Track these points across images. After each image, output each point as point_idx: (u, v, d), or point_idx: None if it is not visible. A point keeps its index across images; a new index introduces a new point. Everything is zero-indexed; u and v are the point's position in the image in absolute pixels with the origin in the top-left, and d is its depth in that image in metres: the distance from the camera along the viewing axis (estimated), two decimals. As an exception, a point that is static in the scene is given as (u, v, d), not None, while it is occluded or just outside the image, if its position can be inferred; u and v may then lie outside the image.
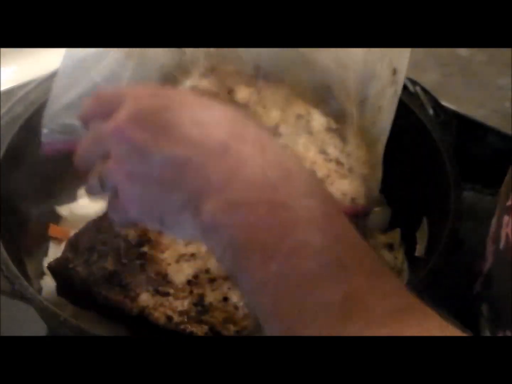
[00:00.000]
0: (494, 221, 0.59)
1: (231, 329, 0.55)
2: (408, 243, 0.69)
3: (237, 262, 0.38)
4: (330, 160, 0.68)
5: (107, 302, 0.56)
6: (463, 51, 0.87)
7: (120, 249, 0.59)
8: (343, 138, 0.70)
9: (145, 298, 0.56)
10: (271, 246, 0.37)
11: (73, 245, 0.60)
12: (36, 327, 0.63)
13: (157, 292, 0.57)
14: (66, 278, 0.59)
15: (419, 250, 0.66)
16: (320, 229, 0.37)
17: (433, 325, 0.34)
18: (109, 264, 0.58)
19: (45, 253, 0.69)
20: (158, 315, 0.56)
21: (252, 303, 0.38)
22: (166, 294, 0.57)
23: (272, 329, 0.36)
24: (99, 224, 0.61)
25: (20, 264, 0.61)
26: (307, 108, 0.70)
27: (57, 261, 0.60)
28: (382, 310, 0.35)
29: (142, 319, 0.56)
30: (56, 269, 0.60)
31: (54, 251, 0.69)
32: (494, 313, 0.56)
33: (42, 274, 0.66)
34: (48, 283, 0.63)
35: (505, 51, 0.84)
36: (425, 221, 0.68)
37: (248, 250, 0.37)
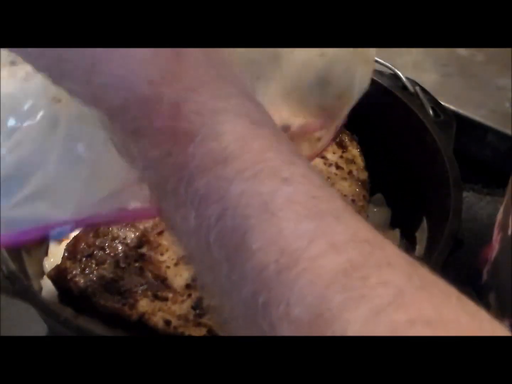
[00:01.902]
0: (501, 209, 0.59)
1: (230, 331, 0.55)
2: (408, 243, 0.69)
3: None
4: (330, 165, 0.69)
5: (106, 310, 0.57)
6: (463, 51, 0.87)
7: (119, 253, 0.59)
8: (341, 146, 0.71)
9: (144, 304, 0.56)
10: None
11: (71, 251, 0.60)
12: (36, 327, 0.62)
13: (156, 297, 0.57)
14: (66, 289, 0.59)
15: (419, 250, 0.66)
16: None
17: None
18: (107, 271, 0.58)
19: (45, 253, 0.69)
20: (157, 320, 0.56)
21: None
22: (165, 299, 0.57)
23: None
24: (97, 227, 0.61)
25: (21, 264, 0.62)
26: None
27: (56, 269, 0.60)
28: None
29: (140, 324, 0.56)
30: (56, 279, 0.60)
31: (54, 251, 0.69)
32: (501, 301, 0.56)
33: (42, 274, 0.66)
34: (48, 283, 0.63)
35: (505, 51, 0.84)
36: (425, 221, 0.68)
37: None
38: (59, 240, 0.69)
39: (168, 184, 0.31)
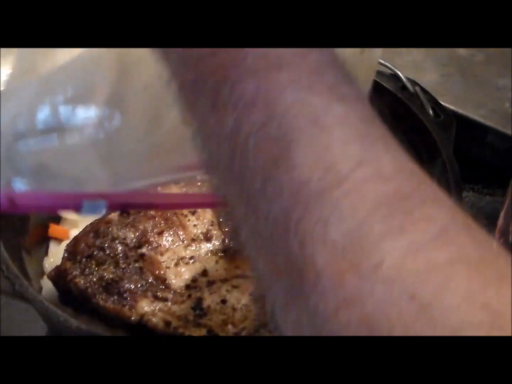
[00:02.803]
0: (502, 214, 0.59)
1: (229, 331, 0.55)
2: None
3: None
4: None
5: (106, 311, 0.57)
6: (463, 51, 0.87)
7: (119, 254, 0.59)
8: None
9: (144, 305, 0.56)
10: None
11: (71, 252, 0.60)
12: (36, 327, 0.63)
13: (156, 297, 0.57)
14: (66, 290, 0.59)
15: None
16: None
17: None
18: (107, 272, 0.58)
19: (45, 253, 0.69)
20: (157, 321, 0.56)
21: None
22: (165, 300, 0.57)
23: None
24: (97, 227, 0.61)
25: (21, 264, 0.62)
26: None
27: (56, 270, 0.60)
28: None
29: (141, 325, 0.56)
30: (56, 280, 0.60)
31: (54, 251, 0.69)
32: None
33: (42, 274, 0.66)
34: (48, 283, 0.63)
35: (505, 51, 0.84)
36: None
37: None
38: (59, 241, 0.70)
39: (208, 83, 0.29)
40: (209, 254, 0.61)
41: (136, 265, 0.59)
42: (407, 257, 0.26)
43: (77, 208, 0.41)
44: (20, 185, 0.39)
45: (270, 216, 0.28)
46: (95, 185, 0.41)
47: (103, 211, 0.42)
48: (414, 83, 0.73)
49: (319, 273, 0.27)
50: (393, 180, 0.27)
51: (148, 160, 0.42)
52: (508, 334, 0.24)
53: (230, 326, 0.55)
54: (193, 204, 0.55)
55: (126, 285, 0.57)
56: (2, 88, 0.40)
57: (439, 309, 0.25)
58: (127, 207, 0.50)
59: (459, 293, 0.25)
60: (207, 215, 0.63)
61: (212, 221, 0.63)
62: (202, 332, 0.55)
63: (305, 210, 0.27)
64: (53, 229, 0.70)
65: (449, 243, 0.26)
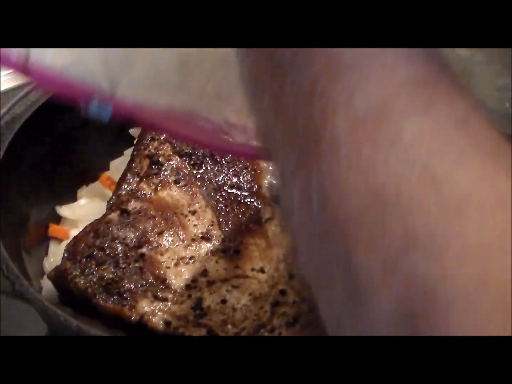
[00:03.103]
0: None
1: (229, 331, 0.55)
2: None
3: None
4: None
5: (106, 311, 0.57)
6: (463, 51, 0.87)
7: (119, 253, 0.59)
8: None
9: (144, 305, 0.56)
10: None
11: (71, 252, 0.60)
12: (36, 327, 0.63)
13: (156, 297, 0.57)
14: (66, 290, 0.59)
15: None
16: None
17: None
18: (107, 272, 0.58)
19: (45, 253, 0.69)
20: (157, 321, 0.56)
21: None
22: (165, 300, 0.57)
23: None
24: (97, 227, 0.61)
25: (21, 264, 0.62)
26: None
27: (57, 270, 0.60)
28: None
29: (141, 325, 0.56)
30: (56, 280, 0.60)
31: (54, 251, 0.69)
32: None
33: (42, 274, 0.67)
34: (48, 283, 0.63)
35: (505, 51, 0.84)
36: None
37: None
38: (59, 241, 0.70)
39: None
40: (209, 254, 0.61)
41: (136, 265, 0.59)
42: (425, 133, 0.27)
43: (85, 103, 0.39)
44: (38, 54, 0.37)
45: (296, 83, 0.29)
46: (109, 85, 0.39)
47: (107, 118, 0.39)
48: (414, 83, 0.72)
49: (336, 139, 0.27)
50: (424, 66, 0.29)
51: (176, 74, 0.39)
52: (509, 215, 0.25)
53: (230, 326, 0.55)
54: (206, 143, 0.51)
55: (126, 285, 0.57)
56: (2, 88, 0.40)
57: (448, 183, 0.26)
58: (133, 120, 0.48)
59: (470, 171, 0.26)
60: (207, 215, 0.63)
61: (212, 221, 0.63)
62: (202, 332, 0.55)
63: (333, 79, 0.28)
64: (53, 229, 0.70)
65: (469, 130, 0.27)
